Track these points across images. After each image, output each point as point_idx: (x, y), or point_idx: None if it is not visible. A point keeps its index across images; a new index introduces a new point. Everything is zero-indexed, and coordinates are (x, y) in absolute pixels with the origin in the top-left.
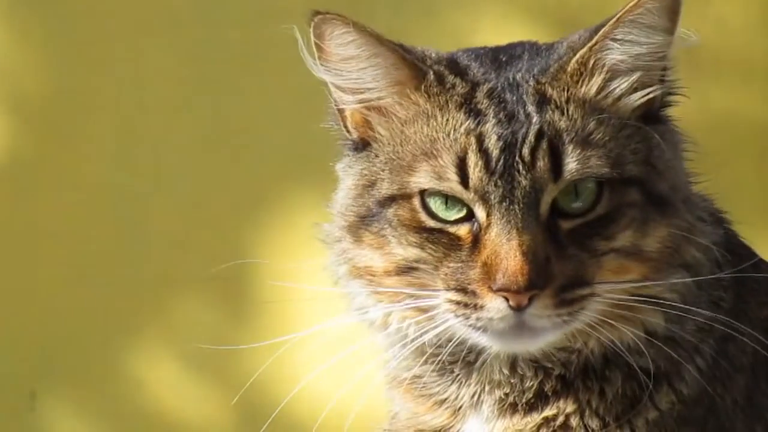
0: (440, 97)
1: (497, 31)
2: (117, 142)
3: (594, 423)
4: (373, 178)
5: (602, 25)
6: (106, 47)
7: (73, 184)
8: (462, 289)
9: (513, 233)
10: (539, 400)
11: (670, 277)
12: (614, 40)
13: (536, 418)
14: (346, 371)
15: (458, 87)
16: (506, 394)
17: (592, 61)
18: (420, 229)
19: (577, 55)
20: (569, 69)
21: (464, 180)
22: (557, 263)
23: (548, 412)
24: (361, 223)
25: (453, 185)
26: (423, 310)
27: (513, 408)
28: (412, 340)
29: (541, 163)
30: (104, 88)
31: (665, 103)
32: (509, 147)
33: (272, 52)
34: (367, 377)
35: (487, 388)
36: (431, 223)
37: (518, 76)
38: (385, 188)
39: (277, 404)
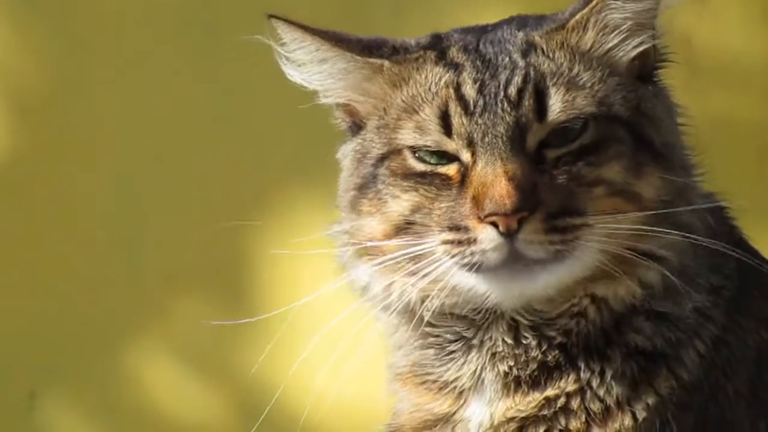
0: (413, 63)
1: None
2: (117, 142)
3: (595, 406)
4: (366, 149)
5: None
6: (106, 47)
7: (73, 184)
8: (455, 227)
9: (498, 163)
10: (542, 373)
11: (666, 234)
12: None
13: (538, 397)
14: (344, 369)
15: (429, 53)
16: (510, 367)
17: (591, 21)
18: (412, 174)
19: (577, 16)
20: (568, 26)
21: (447, 129)
22: (545, 190)
23: (550, 391)
24: (359, 194)
25: (436, 137)
26: (422, 272)
27: (516, 383)
28: (412, 311)
29: (527, 103)
30: (104, 88)
31: (658, 65)
32: (489, 88)
33: (272, 51)
34: (365, 367)
35: (489, 364)
36: (421, 167)
37: (505, 34)
38: (376, 150)
39: (277, 403)
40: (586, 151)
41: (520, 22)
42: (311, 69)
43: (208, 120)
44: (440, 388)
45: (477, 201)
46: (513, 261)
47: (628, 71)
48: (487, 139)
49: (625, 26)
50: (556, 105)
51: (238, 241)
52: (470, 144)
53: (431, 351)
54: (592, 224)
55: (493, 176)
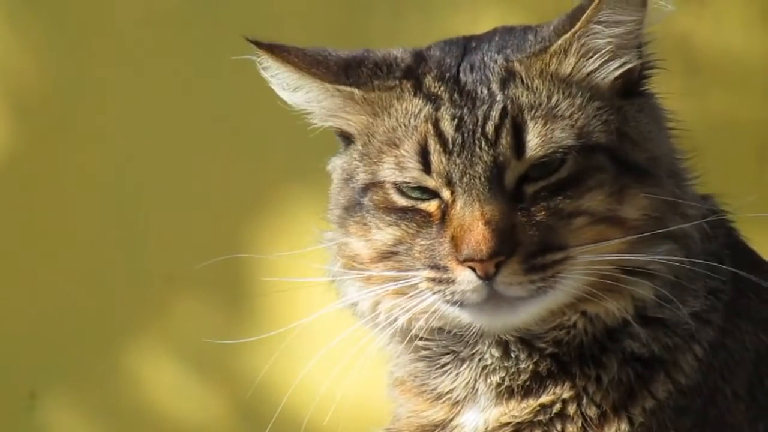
0: (393, 92)
1: None
2: (117, 142)
3: (591, 411)
4: (351, 171)
5: (582, 10)
6: (106, 47)
7: (73, 184)
8: (435, 266)
9: (475, 205)
10: (535, 382)
11: (657, 248)
12: (598, 23)
13: (532, 403)
14: (348, 374)
15: (405, 84)
16: (502, 379)
17: (574, 47)
18: (394, 209)
19: (561, 40)
20: (550, 51)
21: (426, 166)
22: (523, 230)
23: (545, 398)
24: (347, 214)
25: (415, 174)
26: (408, 295)
27: (509, 392)
28: (402, 329)
29: (504, 141)
30: (104, 87)
31: (644, 75)
32: (468, 126)
33: None
34: (364, 374)
35: (480, 376)
36: (403, 202)
37: (486, 57)
38: (361, 178)
39: (276, 403)
40: (566, 184)
41: (503, 37)
42: (293, 93)
43: (208, 120)
44: (436, 398)
45: (455, 243)
46: (494, 298)
47: (610, 91)
48: (465, 180)
49: (607, 49)
50: (534, 141)
51: (238, 242)
52: (449, 183)
53: (423, 363)
54: (575, 256)
55: (470, 219)
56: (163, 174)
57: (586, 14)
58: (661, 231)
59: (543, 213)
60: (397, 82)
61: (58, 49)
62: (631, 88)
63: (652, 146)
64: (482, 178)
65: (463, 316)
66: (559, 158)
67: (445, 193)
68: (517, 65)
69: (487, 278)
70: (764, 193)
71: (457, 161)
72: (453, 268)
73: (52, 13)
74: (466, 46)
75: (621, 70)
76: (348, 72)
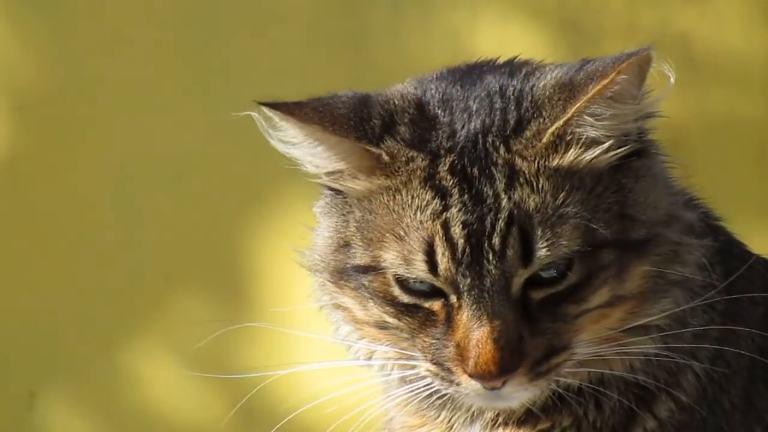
0: (402, 174)
1: (496, 31)
2: (116, 141)
3: None
4: (348, 240)
5: (577, 92)
6: (106, 46)
7: (72, 184)
8: (439, 364)
9: (484, 319)
10: (530, 416)
11: (659, 303)
12: (590, 115)
13: (530, 430)
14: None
15: (418, 160)
16: (497, 415)
17: (568, 136)
18: (395, 302)
19: (553, 128)
20: (544, 140)
21: (433, 268)
22: (530, 340)
23: (542, 425)
24: (341, 277)
25: (421, 273)
26: (404, 362)
27: (506, 423)
28: (397, 386)
29: (511, 252)
30: (104, 87)
31: (643, 139)
32: (476, 234)
33: (273, 52)
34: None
35: (476, 412)
36: (405, 298)
37: (488, 140)
38: (358, 257)
39: (276, 403)
40: (572, 290)
41: (503, 96)
42: (301, 150)
43: (207, 120)
44: (432, 419)
45: (462, 353)
46: (496, 397)
47: (609, 170)
48: (474, 293)
49: (604, 140)
50: (542, 251)
51: (237, 241)
52: (456, 289)
53: (423, 396)
54: (577, 352)
55: (478, 335)
56: (163, 174)
57: (577, 105)
58: (666, 288)
59: (548, 320)
60: (409, 161)
61: (58, 49)
62: (629, 155)
63: (652, 211)
64: (490, 292)
65: (465, 400)
66: (565, 266)
67: (452, 297)
68: (519, 160)
69: (493, 390)
70: (764, 193)
71: (466, 273)
72: (459, 374)
73: (51, 12)
74: (467, 107)
75: (621, 155)
76: (363, 127)
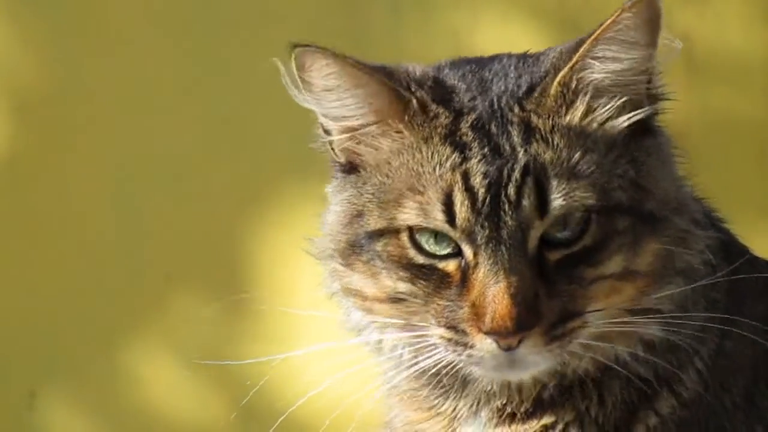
0: (424, 129)
1: (496, 31)
2: (116, 141)
3: (593, 430)
4: (361, 208)
5: (581, 43)
6: (106, 46)
7: (72, 184)
8: (453, 327)
9: (500, 275)
10: (537, 408)
11: (665, 288)
12: (594, 58)
13: (535, 425)
14: (351, 377)
15: (442, 117)
16: (504, 404)
17: (574, 83)
18: (409, 265)
19: (558, 77)
20: (552, 92)
21: (451, 218)
22: (546, 300)
23: (547, 420)
24: (352, 251)
25: (439, 223)
26: (414, 330)
27: (511, 417)
28: (408, 366)
29: (527, 202)
30: (104, 87)
31: (653, 113)
32: (495, 185)
33: (273, 51)
34: (368, 391)
35: (483, 398)
36: (420, 259)
37: (503, 101)
38: (373, 222)
39: (276, 403)
40: (588, 252)
41: (517, 71)
42: (335, 96)
43: (207, 119)
44: (435, 414)
45: (477, 311)
46: (509, 363)
47: (622, 139)
48: (491, 246)
49: (612, 92)
50: (558, 200)
51: (237, 240)
52: (473, 241)
53: (428, 383)
54: (590, 321)
55: (495, 290)
56: (163, 173)
57: (582, 48)
58: (673, 273)
59: (564, 282)
60: (434, 117)
61: (58, 49)
62: (640, 129)
63: (663, 189)
64: (507, 244)
65: (476, 371)
66: (581, 224)
67: (468, 251)
68: (533, 117)
69: (508, 350)
70: (765, 193)
71: (485, 224)
72: (473, 334)
73: (51, 12)
74: (482, 78)
75: (633, 118)
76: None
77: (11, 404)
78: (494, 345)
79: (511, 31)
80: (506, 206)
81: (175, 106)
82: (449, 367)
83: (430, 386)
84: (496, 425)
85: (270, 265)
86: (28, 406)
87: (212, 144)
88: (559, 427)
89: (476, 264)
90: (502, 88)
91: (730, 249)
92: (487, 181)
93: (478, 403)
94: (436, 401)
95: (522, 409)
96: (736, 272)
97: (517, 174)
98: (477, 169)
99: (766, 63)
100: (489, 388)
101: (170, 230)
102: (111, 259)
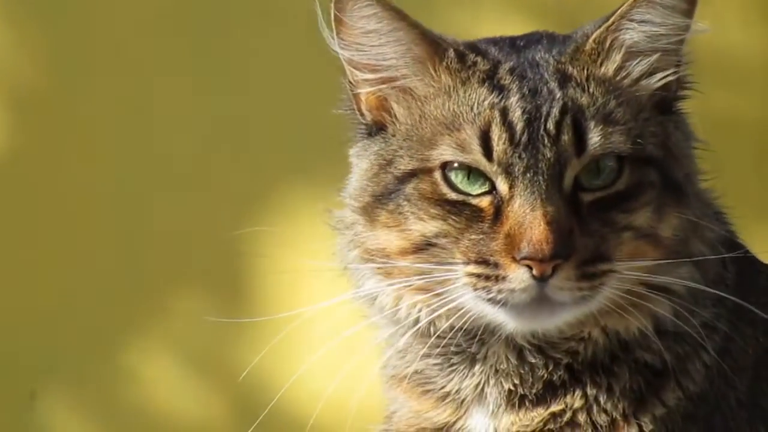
0: (462, 73)
1: (497, 31)
2: (116, 141)
3: (601, 419)
4: (390, 156)
5: (620, 6)
6: (106, 46)
7: (72, 184)
8: (483, 261)
9: (537, 203)
10: (548, 391)
11: (679, 269)
12: (631, 20)
13: (543, 413)
14: (344, 367)
15: (480, 64)
16: (515, 385)
17: (608, 41)
18: (442, 201)
19: (594, 35)
20: (587, 48)
21: (488, 152)
22: (580, 236)
23: (555, 407)
24: (377, 203)
25: (476, 156)
26: (435, 292)
27: (521, 401)
28: (422, 328)
29: (566, 137)
30: (104, 87)
31: (679, 95)
32: (533, 121)
33: (273, 50)
34: (364, 369)
35: (492, 379)
36: (453, 195)
37: (538, 56)
38: (404, 164)
39: (277, 402)
40: (621, 197)
41: (549, 41)
42: (373, 40)
43: (207, 119)
44: (441, 398)
45: (512, 240)
46: (538, 301)
47: (651, 104)
48: (528, 176)
49: (646, 50)
50: (595, 138)
51: (238, 241)
52: (508, 174)
53: (435, 361)
54: (618, 270)
55: (532, 217)
56: (163, 173)
57: (620, 9)
58: (686, 257)
59: (597, 223)
60: (472, 65)
61: (58, 49)
62: (668, 105)
63: (687, 163)
64: (545, 176)
65: (500, 317)
66: (615, 166)
67: (502, 186)
68: (569, 67)
69: (542, 279)
70: (764, 193)
71: (522, 155)
72: (506, 265)
73: (52, 13)
74: (513, 44)
75: (662, 81)
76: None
77: (11, 404)
78: (527, 274)
79: (511, 30)
80: (545, 139)
81: (175, 106)
82: (461, 335)
83: (436, 364)
84: (505, 411)
85: (270, 265)
86: (28, 406)
87: (212, 144)
88: (568, 414)
89: (511, 197)
90: (536, 49)
91: (736, 249)
92: (525, 116)
93: (485, 384)
94: (441, 381)
95: (533, 391)
96: (742, 272)
97: (556, 111)
98: (516, 104)
99: (765, 63)
100: (501, 365)
101: (170, 230)
102: (111, 259)
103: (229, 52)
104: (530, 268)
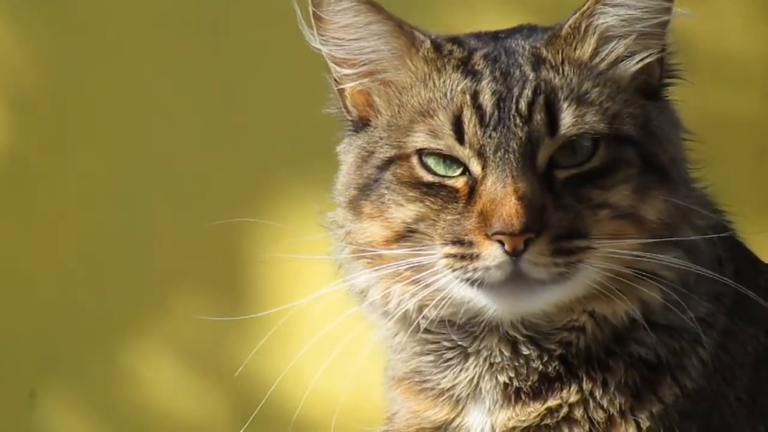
0: (438, 62)
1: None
2: (116, 140)
3: (598, 415)
4: (372, 148)
5: None
6: (106, 46)
7: (72, 183)
8: (458, 241)
9: (509, 180)
10: (543, 384)
11: (666, 253)
12: (605, 4)
13: (539, 407)
14: (342, 364)
15: (455, 53)
16: (510, 379)
17: (584, 26)
18: (419, 184)
19: (570, 20)
20: (563, 33)
21: (460, 136)
22: (553, 212)
23: (551, 402)
24: (361, 195)
25: (449, 142)
26: (419, 277)
27: (517, 395)
28: (410, 318)
29: (539, 117)
30: (104, 87)
31: (664, 82)
32: (504, 101)
33: (272, 50)
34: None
35: (487, 374)
36: (429, 177)
37: (514, 44)
38: (384, 152)
39: (277, 403)
40: (596, 174)
41: (529, 31)
42: (351, 34)
43: (207, 118)
44: (437, 396)
45: (484, 217)
46: (514, 280)
47: (632, 87)
48: (499, 154)
49: (622, 33)
50: (568, 119)
51: (237, 239)
52: (481, 156)
53: (429, 357)
54: (596, 247)
55: (503, 194)
56: (163, 173)
57: None
58: (672, 239)
59: (572, 199)
60: (447, 53)
61: (58, 49)
62: (652, 90)
63: (673, 149)
64: (516, 154)
65: (479, 299)
66: (590, 147)
67: (476, 168)
68: (543, 50)
69: (514, 254)
70: (764, 192)
71: (493, 135)
72: (479, 243)
73: (52, 13)
74: (495, 37)
75: (642, 63)
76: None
77: (11, 404)
78: (500, 250)
79: None
80: (517, 119)
81: (175, 106)
82: (451, 328)
83: (430, 361)
84: (501, 406)
85: (270, 265)
86: (28, 406)
87: (212, 144)
88: (564, 410)
89: (484, 176)
90: (515, 38)
91: (735, 247)
92: (495, 98)
93: (480, 379)
94: (437, 377)
95: (528, 384)
96: (741, 271)
97: (528, 91)
98: (486, 87)
99: (765, 63)
100: (495, 359)
101: (170, 230)
102: (111, 260)
103: (228, 53)
104: (502, 243)
